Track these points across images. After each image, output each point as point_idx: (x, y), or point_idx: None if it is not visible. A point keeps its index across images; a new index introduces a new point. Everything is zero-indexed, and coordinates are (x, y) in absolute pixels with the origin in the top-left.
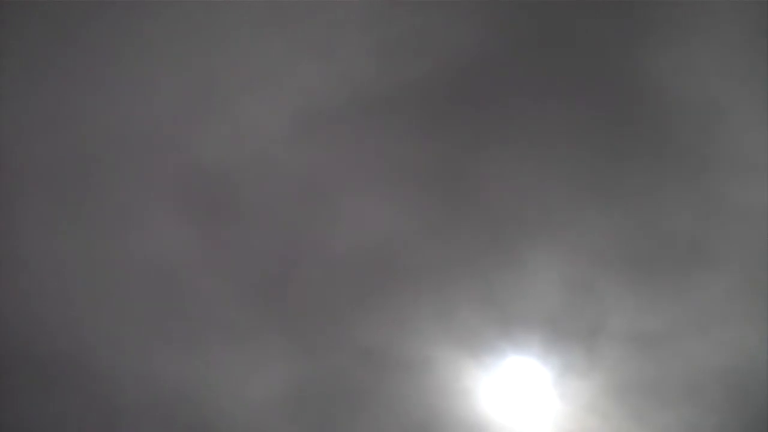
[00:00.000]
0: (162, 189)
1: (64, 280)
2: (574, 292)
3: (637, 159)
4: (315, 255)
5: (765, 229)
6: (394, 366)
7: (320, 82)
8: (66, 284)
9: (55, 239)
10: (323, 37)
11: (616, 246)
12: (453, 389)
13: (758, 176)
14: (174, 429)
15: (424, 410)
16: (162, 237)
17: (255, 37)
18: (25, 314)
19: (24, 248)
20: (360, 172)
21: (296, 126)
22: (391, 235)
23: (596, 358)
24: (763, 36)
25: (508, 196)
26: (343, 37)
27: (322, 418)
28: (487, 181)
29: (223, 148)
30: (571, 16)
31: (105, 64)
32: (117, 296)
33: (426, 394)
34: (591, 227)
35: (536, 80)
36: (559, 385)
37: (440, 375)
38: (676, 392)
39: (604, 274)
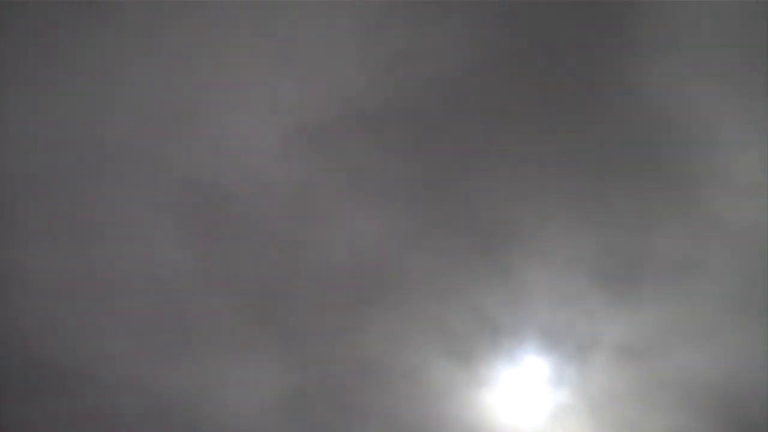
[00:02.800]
0: (159, 205)
1: (63, 293)
2: (566, 306)
3: (629, 176)
4: (309, 268)
5: (754, 245)
6: (388, 376)
7: (311, 99)
8: (65, 297)
9: (54, 253)
10: (313, 55)
11: (607, 260)
12: (446, 398)
13: (748, 194)
14: None
15: (417, 419)
16: (159, 251)
17: (247, 56)
18: (26, 326)
19: (23, 263)
20: (352, 186)
21: (288, 142)
22: (385, 248)
23: (588, 369)
24: (753, 56)
25: (500, 210)
26: (333, 56)
27: (318, 427)
28: (478, 195)
29: (218, 165)
30: (561, 36)
31: (99, 84)
32: (115, 309)
33: (419, 403)
34: (582, 242)
35: (526, 98)
36: (552, 396)
37: (434, 384)
38: (668, 402)
39: (595, 288)
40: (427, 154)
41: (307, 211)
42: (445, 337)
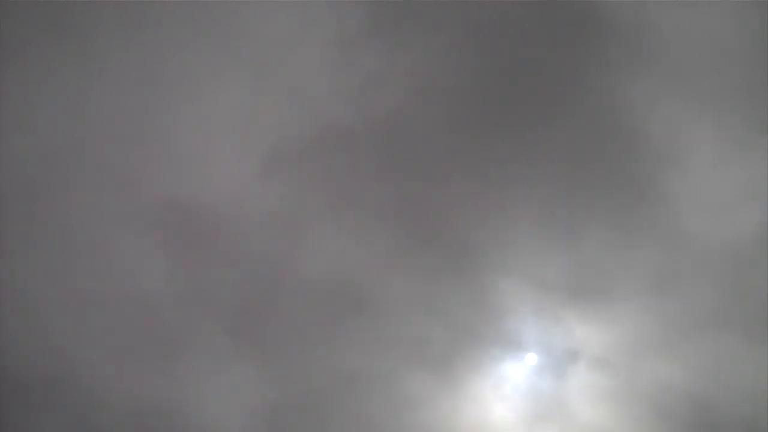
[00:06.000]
0: (141, 224)
1: (46, 310)
2: (542, 320)
3: (605, 194)
4: (287, 284)
5: (726, 261)
6: (367, 388)
7: (287, 121)
8: (48, 314)
9: (37, 271)
10: (290, 79)
11: (583, 276)
12: (424, 409)
13: (721, 211)
14: None
15: (395, 430)
16: (141, 268)
17: (225, 80)
18: (8, 342)
19: (5, 280)
20: (329, 206)
21: (266, 162)
22: (362, 264)
23: (565, 380)
24: (728, 77)
25: (476, 228)
26: (308, 79)
27: None
28: (454, 213)
29: (198, 185)
30: (540, 56)
31: (80, 107)
32: (98, 325)
33: (398, 414)
34: (558, 258)
35: (500, 118)
36: (529, 406)
37: (411, 396)
38: (643, 412)
39: (571, 303)
40: (402, 174)
41: (284, 229)
42: (422, 350)
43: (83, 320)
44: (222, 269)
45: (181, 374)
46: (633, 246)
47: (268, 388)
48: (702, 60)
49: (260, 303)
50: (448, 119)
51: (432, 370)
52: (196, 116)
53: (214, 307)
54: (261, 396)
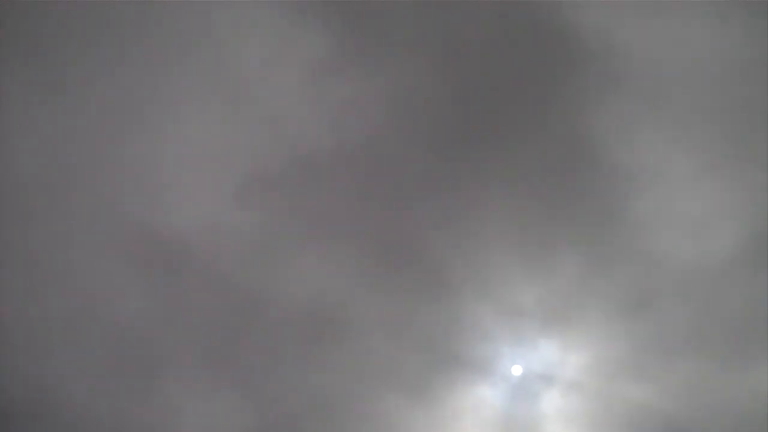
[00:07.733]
0: (117, 252)
1: (27, 338)
2: (518, 345)
3: (578, 217)
4: (265, 310)
5: (698, 284)
6: (345, 412)
7: (263, 148)
8: (26, 341)
9: (19, 299)
10: (265, 105)
11: (557, 301)
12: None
13: (694, 234)
14: None
15: None
16: (121, 296)
17: (200, 107)
18: None
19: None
20: (306, 232)
21: (242, 189)
22: (339, 290)
23: (541, 404)
24: (697, 101)
25: (451, 253)
26: (285, 106)
27: None
28: (430, 239)
29: (174, 213)
30: (513, 82)
31: (60, 136)
32: (75, 352)
33: None
34: (532, 284)
35: (475, 143)
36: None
37: (389, 420)
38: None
39: (547, 328)
40: (377, 200)
41: (262, 255)
42: (398, 374)
43: (59, 347)
44: (199, 296)
45: (158, 401)
46: (607, 268)
47: (246, 414)
48: (673, 81)
49: (237, 329)
50: (423, 145)
51: (407, 394)
52: (171, 144)
53: (191, 334)
54: (239, 421)
